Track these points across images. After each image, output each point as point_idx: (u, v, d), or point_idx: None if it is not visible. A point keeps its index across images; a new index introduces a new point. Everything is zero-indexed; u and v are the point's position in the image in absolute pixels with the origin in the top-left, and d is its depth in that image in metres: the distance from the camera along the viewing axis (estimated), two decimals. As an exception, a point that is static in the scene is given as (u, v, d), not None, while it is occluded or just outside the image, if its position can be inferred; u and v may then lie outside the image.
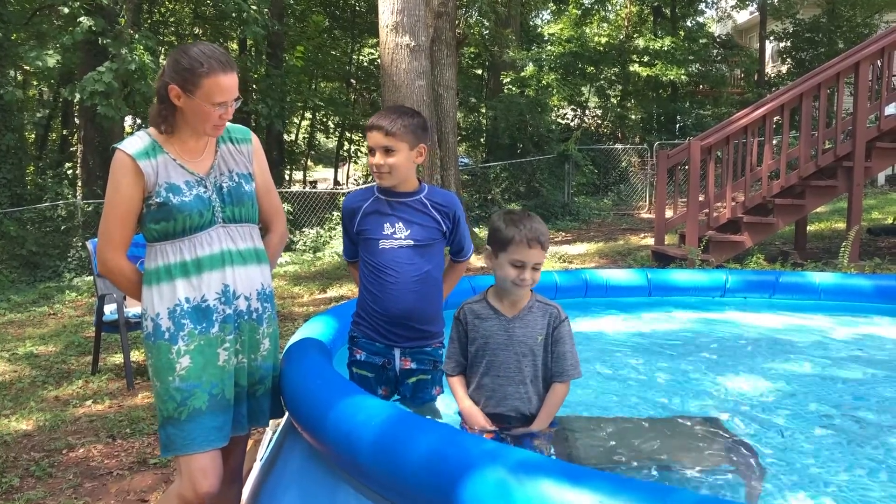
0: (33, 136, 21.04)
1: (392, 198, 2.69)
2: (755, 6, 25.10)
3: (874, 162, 8.17)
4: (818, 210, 13.13)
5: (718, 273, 5.13)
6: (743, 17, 29.83)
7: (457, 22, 12.84)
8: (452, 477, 1.62)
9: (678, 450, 2.36)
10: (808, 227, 11.75)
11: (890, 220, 11.71)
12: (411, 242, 2.66)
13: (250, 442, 3.79)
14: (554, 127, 17.75)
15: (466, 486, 1.59)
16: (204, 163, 2.41)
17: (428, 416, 2.59)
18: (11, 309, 9.45)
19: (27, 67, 15.18)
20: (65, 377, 5.85)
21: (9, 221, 12.72)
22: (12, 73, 16.15)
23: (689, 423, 2.74)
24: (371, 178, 3.07)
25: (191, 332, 2.30)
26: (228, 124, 2.46)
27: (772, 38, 23.83)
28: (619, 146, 18.45)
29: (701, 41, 21.79)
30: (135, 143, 2.33)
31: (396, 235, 2.66)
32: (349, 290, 8.79)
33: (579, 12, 23.47)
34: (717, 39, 24.40)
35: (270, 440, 3.24)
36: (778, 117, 8.35)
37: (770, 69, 25.69)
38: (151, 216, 2.32)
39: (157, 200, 2.30)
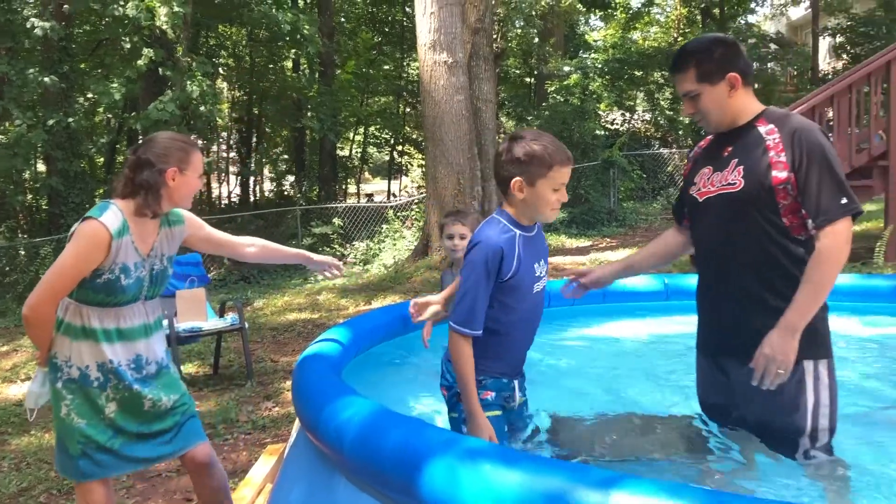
0: (101, 159, 22.11)
1: (530, 233, 2.51)
2: (808, 1, 24.68)
3: (910, 160, 8.12)
4: (870, 209, 12.93)
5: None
6: (798, 13, 29.29)
7: (494, 36, 13.08)
8: (415, 463, 1.88)
9: (651, 445, 2.56)
10: (856, 227, 11.60)
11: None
12: (546, 280, 2.59)
13: (281, 446, 4.14)
14: (599, 133, 17.80)
15: (425, 470, 1.85)
16: (148, 244, 2.68)
17: None
18: (80, 326, 10.06)
19: (92, 96, 16.04)
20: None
21: (78, 243, 13.47)
22: (80, 100, 17.07)
23: (672, 421, 2.92)
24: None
25: (115, 386, 2.64)
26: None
27: (825, 34, 23.36)
28: (664, 150, 18.40)
29: (750, 41, 21.53)
30: (113, 220, 2.55)
31: (541, 275, 2.53)
32: (393, 301, 9.08)
33: (628, 15, 23.50)
34: (769, 37, 24.03)
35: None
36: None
37: (826, 66, 25.19)
38: (93, 286, 2.56)
39: (109, 277, 2.55)
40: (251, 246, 3.08)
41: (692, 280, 2.90)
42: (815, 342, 2.47)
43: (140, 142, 2.77)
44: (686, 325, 5.01)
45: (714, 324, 2.63)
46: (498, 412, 2.49)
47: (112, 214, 2.56)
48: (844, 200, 2.34)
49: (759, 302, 2.44)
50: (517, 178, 2.38)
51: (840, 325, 4.75)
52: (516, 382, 2.57)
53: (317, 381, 2.62)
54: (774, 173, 2.40)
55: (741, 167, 2.48)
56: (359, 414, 2.18)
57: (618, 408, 3.28)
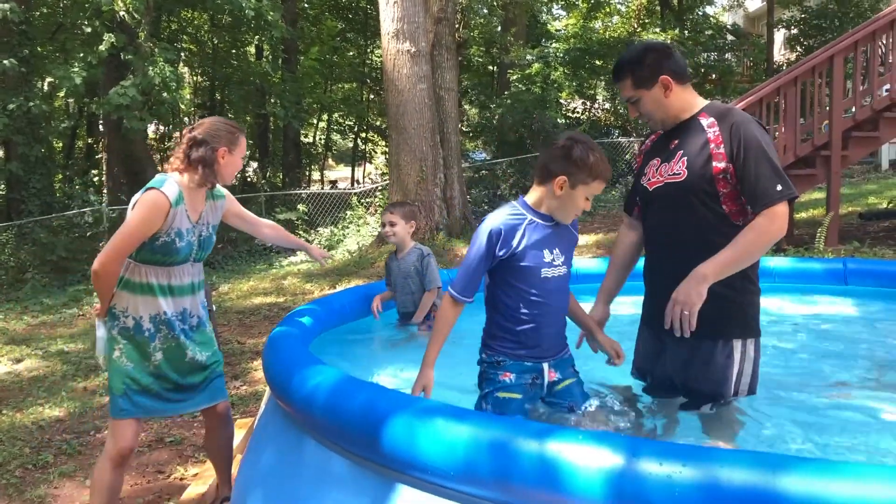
0: (60, 144, 21.85)
1: (551, 223, 2.64)
2: (764, -6, 25.21)
3: (851, 150, 8.52)
4: (817, 197, 13.42)
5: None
6: (755, 4, 29.89)
7: (456, 26, 13.28)
8: (377, 422, 2.12)
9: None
10: (804, 214, 12.09)
11: (884, 205, 11.98)
12: (565, 269, 2.67)
13: (250, 420, 4.34)
14: (561, 121, 18.11)
15: (386, 428, 2.08)
16: (197, 212, 3.07)
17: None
18: (44, 311, 10.09)
19: (52, 80, 15.88)
20: (92, 370, 6.42)
21: (39, 229, 13.42)
22: (39, 83, 16.87)
23: (605, 391, 3.17)
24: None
25: (165, 335, 3.03)
26: None
27: (780, 26, 23.93)
28: (622, 139, 18.77)
29: (707, 32, 21.96)
30: (172, 190, 2.94)
31: (555, 263, 2.63)
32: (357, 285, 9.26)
33: (589, 4, 23.74)
34: (726, 29, 24.51)
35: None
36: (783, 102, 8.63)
37: (781, 57, 25.79)
38: (153, 247, 2.95)
39: (165, 239, 2.94)
40: (269, 227, 3.62)
41: (639, 263, 3.15)
42: (746, 324, 2.74)
43: (193, 125, 3.14)
44: (632, 305, 5.34)
45: (657, 303, 2.88)
46: (517, 395, 2.61)
47: (170, 186, 2.94)
48: (780, 187, 2.54)
49: None
50: (563, 177, 2.54)
51: (778, 304, 5.10)
52: (545, 364, 2.68)
53: (288, 352, 2.84)
54: (714, 163, 2.63)
55: (685, 158, 2.71)
56: (327, 381, 2.40)
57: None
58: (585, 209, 2.62)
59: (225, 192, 3.28)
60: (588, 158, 2.53)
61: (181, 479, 4.05)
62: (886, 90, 8.58)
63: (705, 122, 2.71)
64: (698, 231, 2.68)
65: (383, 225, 4.44)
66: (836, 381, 3.56)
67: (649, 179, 2.86)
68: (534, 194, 2.65)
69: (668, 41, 19.32)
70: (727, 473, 1.58)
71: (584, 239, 11.83)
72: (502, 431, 1.89)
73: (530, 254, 2.58)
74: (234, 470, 3.66)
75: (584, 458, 1.73)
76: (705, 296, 2.49)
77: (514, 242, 2.56)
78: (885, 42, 8.58)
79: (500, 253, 2.55)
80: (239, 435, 4.12)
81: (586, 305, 3.06)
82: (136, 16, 13.45)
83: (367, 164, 28.43)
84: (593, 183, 2.56)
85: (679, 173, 2.71)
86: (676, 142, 2.77)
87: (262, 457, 2.84)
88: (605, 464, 1.70)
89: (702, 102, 2.79)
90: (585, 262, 5.76)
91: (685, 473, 1.61)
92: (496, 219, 2.59)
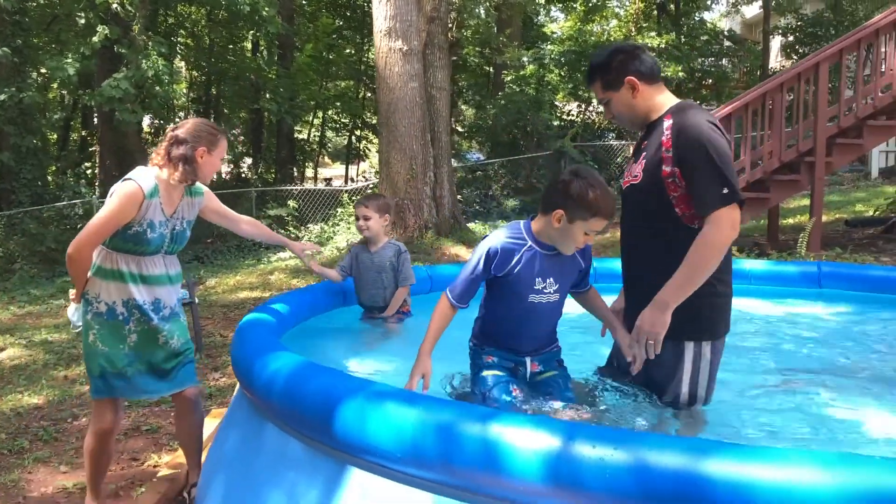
0: (55, 136, 21.83)
1: (552, 251, 2.71)
2: (760, 0, 25.29)
3: (834, 157, 8.59)
4: (805, 203, 13.51)
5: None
6: (752, 11, 29.98)
7: (450, 25, 13.34)
8: (331, 406, 2.16)
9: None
10: (790, 220, 12.18)
11: (871, 213, 12.06)
12: (556, 297, 2.77)
13: (224, 410, 4.38)
14: (555, 123, 18.16)
15: (339, 412, 2.13)
16: (173, 207, 3.18)
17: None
18: (31, 302, 10.10)
19: (45, 71, 15.88)
20: (74, 360, 6.45)
21: (29, 219, 13.42)
22: (34, 74, 16.86)
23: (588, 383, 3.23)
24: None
25: (138, 319, 3.12)
26: None
27: (776, 33, 24.03)
28: (614, 142, 18.83)
29: (703, 38, 22.02)
30: (148, 182, 3.05)
31: (546, 290, 2.72)
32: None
33: (587, 7, 23.80)
34: (722, 34, 24.58)
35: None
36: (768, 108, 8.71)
37: (777, 64, 25.89)
38: (124, 236, 3.06)
39: (137, 229, 3.05)
40: (248, 224, 3.74)
41: (618, 264, 3.17)
42: (702, 325, 2.70)
43: (177, 123, 3.24)
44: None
45: (629, 302, 2.92)
46: (500, 372, 2.80)
47: (147, 178, 3.07)
48: (725, 191, 2.48)
49: (656, 288, 2.62)
50: (560, 210, 2.59)
51: (752, 304, 5.16)
52: (528, 359, 2.84)
53: (251, 340, 2.90)
54: (664, 167, 2.62)
55: (645, 160, 2.72)
56: (284, 366, 2.45)
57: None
58: (588, 242, 2.66)
59: (204, 189, 3.37)
60: (587, 195, 2.56)
61: (155, 467, 4.08)
62: (871, 98, 8.66)
63: (666, 123, 2.67)
64: (656, 234, 2.70)
65: (357, 219, 4.42)
66: (797, 373, 3.62)
67: (623, 179, 2.89)
68: (538, 222, 2.72)
69: (664, 45, 19.43)
70: (656, 457, 1.63)
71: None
72: (445, 415, 1.94)
73: (522, 279, 2.69)
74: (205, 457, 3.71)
75: (523, 440, 1.78)
76: (669, 321, 2.53)
77: (509, 266, 2.67)
78: (872, 51, 8.66)
79: (494, 271, 2.69)
80: (213, 424, 4.15)
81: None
82: (130, 9, 13.47)
83: (362, 162, 28.44)
84: (592, 219, 2.58)
85: (637, 175, 2.73)
86: (646, 143, 2.78)
87: (226, 443, 2.89)
88: (542, 446, 1.75)
89: (671, 102, 2.76)
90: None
91: (616, 456, 1.66)
92: (496, 238, 2.71)
